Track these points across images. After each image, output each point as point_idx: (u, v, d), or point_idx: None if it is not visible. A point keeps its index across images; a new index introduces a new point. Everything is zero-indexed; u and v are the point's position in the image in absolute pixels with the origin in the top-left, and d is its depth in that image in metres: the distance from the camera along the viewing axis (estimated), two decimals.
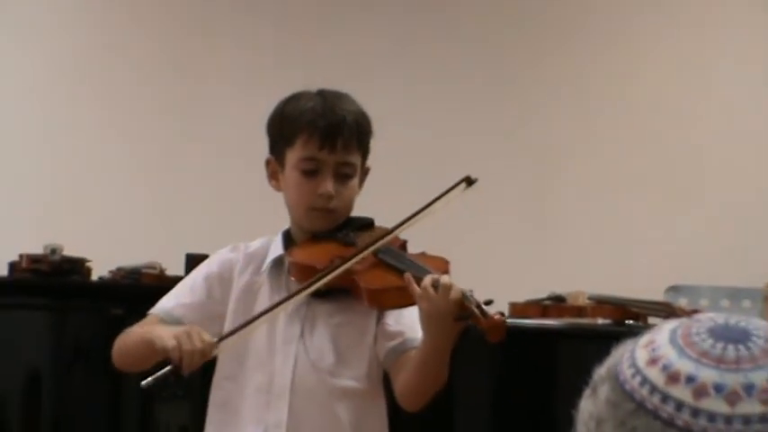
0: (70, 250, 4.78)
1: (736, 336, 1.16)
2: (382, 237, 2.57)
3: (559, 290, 4.43)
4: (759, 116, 5.51)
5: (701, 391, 1.12)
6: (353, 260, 2.52)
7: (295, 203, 2.65)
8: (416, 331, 2.49)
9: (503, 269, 5.28)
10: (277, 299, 2.59)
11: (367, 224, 2.67)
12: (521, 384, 4.21)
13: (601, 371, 1.20)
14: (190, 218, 5.50)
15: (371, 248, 2.54)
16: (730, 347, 1.15)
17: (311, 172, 2.61)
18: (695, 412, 1.12)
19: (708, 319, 1.19)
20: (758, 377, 1.12)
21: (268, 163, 2.69)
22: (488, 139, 5.60)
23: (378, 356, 2.59)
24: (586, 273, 4.95)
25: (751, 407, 1.11)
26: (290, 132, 2.62)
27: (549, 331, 4.25)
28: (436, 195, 2.60)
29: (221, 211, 5.46)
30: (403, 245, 2.63)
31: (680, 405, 1.12)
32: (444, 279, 2.38)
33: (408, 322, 2.53)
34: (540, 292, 4.45)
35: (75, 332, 4.60)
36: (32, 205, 5.52)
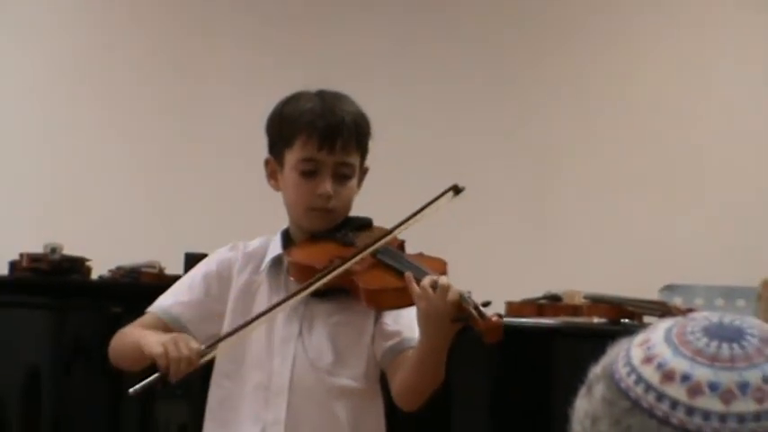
0: (70, 249, 4.78)
1: (731, 334, 1.16)
2: (381, 237, 2.57)
3: (555, 289, 4.43)
4: (757, 116, 5.51)
5: (695, 390, 1.12)
6: (353, 261, 2.52)
7: (294, 203, 2.65)
8: (414, 331, 2.49)
9: (499, 268, 5.28)
10: (276, 298, 2.59)
11: (365, 224, 2.67)
12: (517, 382, 4.21)
13: (596, 369, 1.20)
14: (189, 217, 5.49)
15: (370, 249, 2.54)
16: (725, 346, 1.15)
17: (310, 172, 2.60)
18: (690, 411, 1.12)
19: (702, 317, 1.19)
20: (752, 375, 1.12)
21: (267, 163, 2.69)
22: (488, 139, 5.60)
23: (375, 356, 2.59)
24: (582, 272, 4.95)
25: (745, 405, 1.11)
26: (289, 133, 2.62)
27: (545, 330, 4.25)
28: (423, 204, 2.60)
29: (220, 210, 5.45)
30: (401, 245, 2.63)
31: (675, 403, 1.12)
32: (443, 280, 2.38)
33: (406, 322, 2.53)
34: (536, 290, 4.45)
35: (75, 330, 4.60)
36: (32, 205, 5.52)
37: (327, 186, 2.59)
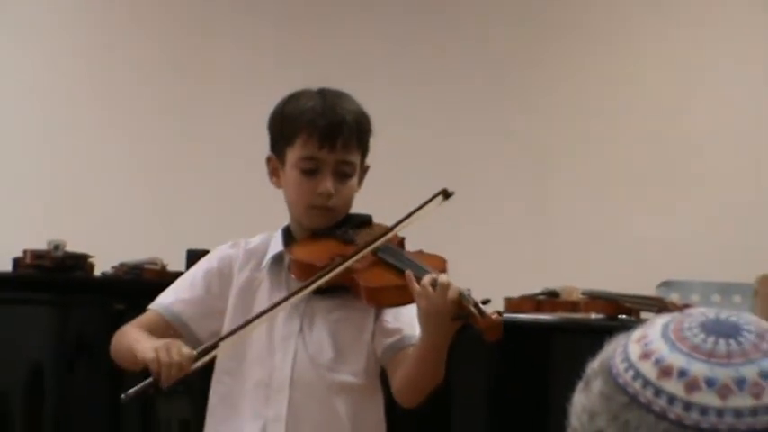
0: (73, 246, 4.78)
1: (727, 330, 1.16)
2: (381, 235, 2.57)
3: (553, 285, 4.43)
4: (754, 115, 5.51)
5: (692, 385, 1.12)
6: (353, 259, 2.52)
7: (295, 201, 2.65)
8: (414, 328, 2.49)
9: (498, 264, 5.28)
10: (277, 295, 2.59)
11: (366, 221, 2.67)
12: (515, 377, 4.21)
13: (594, 365, 1.20)
14: (190, 214, 5.49)
15: (371, 247, 2.54)
16: (721, 342, 1.15)
17: (311, 171, 2.60)
18: (687, 406, 1.11)
19: (699, 313, 1.19)
20: (749, 371, 1.12)
21: (269, 160, 2.69)
22: (487, 139, 5.59)
23: (375, 352, 2.59)
24: (580, 268, 4.95)
25: (742, 400, 1.11)
26: (291, 131, 2.62)
27: (544, 326, 4.25)
28: (413, 208, 2.60)
29: (221, 207, 5.45)
30: (401, 242, 2.63)
31: (672, 398, 1.12)
32: (443, 278, 2.38)
33: (407, 319, 2.53)
34: (534, 287, 4.45)
35: (77, 327, 4.60)
36: (36, 202, 5.51)
37: (328, 185, 2.59)
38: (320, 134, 2.58)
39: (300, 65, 5.41)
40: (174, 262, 4.63)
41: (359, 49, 5.63)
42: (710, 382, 1.12)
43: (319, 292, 2.56)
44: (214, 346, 2.50)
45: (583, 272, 4.72)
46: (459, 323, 2.38)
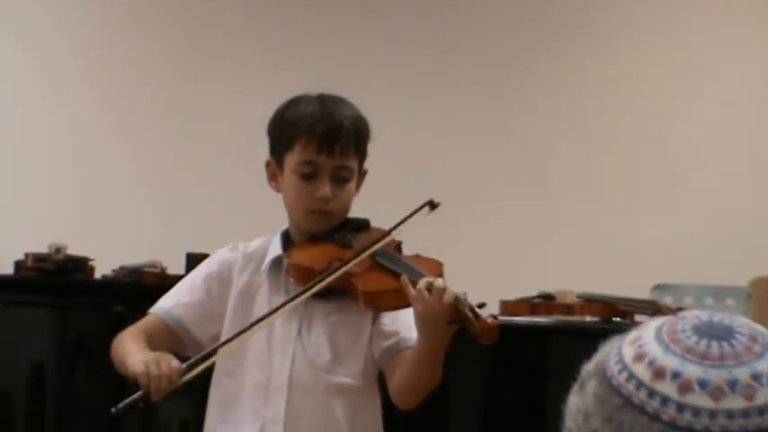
0: (74, 249, 4.78)
1: (720, 333, 1.16)
2: (379, 239, 2.57)
3: (549, 288, 4.43)
4: (750, 117, 5.50)
5: (685, 387, 1.12)
6: (351, 263, 2.52)
7: (293, 205, 2.65)
8: (412, 331, 2.49)
9: (494, 267, 5.28)
10: (276, 298, 2.60)
11: (363, 225, 2.68)
12: (511, 379, 4.21)
13: (589, 367, 1.20)
14: (190, 218, 5.49)
15: (368, 252, 2.54)
16: (714, 344, 1.15)
17: (309, 175, 2.61)
18: (680, 407, 1.12)
19: (693, 316, 1.20)
20: (741, 373, 1.13)
21: (268, 165, 2.70)
22: (486, 139, 5.59)
23: (373, 355, 2.59)
24: (575, 271, 4.95)
25: (734, 402, 1.11)
26: (290, 136, 2.62)
27: (539, 328, 4.25)
28: (400, 219, 2.60)
29: (221, 211, 5.45)
30: (398, 246, 2.63)
31: (665, 400, 1.12)
32: (438, 282, 2.38)
33: (404, 322, 2.53)
34: (530, 290, 4.45)
35: (78, 329, 4.60)
36: (37, 206, 5.51)
37: (326, 189, 2.59)
38: (318, 139, 2.59)
39: (300, 65, 5.41)
40: (174, 265, 4.63)
41: (359, 50, 5.63)
42: (703, 384, 1.12)
43: (318, 295, 2.56)
44: (205, 358, 2.49)
45: (578, 275, 4.72)
46: (456, 327, 2.38)
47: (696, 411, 1.11)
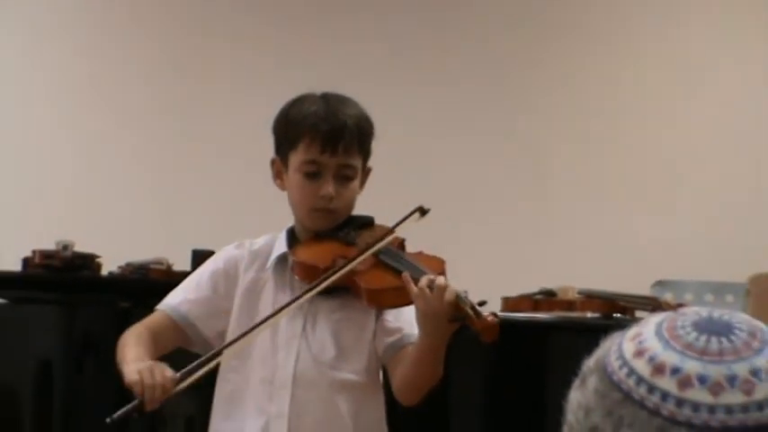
0: (81, 246, 4.78)
1: (720, 329, 1.17)
2: (382, 237, 2.58)
3: (550, 285, 4.43)
4: (748, 116, 5.50)
5: (685, 382, 1.12)
6: (355, 262, 2.53)
7: (298, 203, 2.66)
8: (414, 327, 2.49)
9: (496, 264, 5.28)
10: (281, 295, 2.61)
11: (367, 223, 2.68)
12: (513, 375, 4.21)
13: (589, 362, 1.20)
14: (196, 215, 5.49)
15: (372, 250, 2.55)
16: (714, 340, 1.15)
17: (313, 174, 2.61)
18: (680, 402, 1.12)
19: (692, 312, 1.20)
20: (740, 368, 1.13)
21: (273, 163, 2.70)
22: (487, 138, 5.59)
23: (377, 351, 2.60)
24: (576, 268, 4.95)
25: (734, 397, 1.12)
26: (294, 135, 2.63)
27: (541, 324, 4.25)
28: (391, 226, 2.60)
29: (226, 208, 5.45)
30: (401, 243, 2.63)
31: (665, 395, 1.12)
32: (440, 280, 2.39)
33: (407, 319, 2.54)
34: (531, 286, 4.45)
35: (85, 325, 4.60)
36: (45, 204, 5.51)
37: (329, 188, 2.60)
38: (322, 138, 2.59)
39: (301, 65, 5.40)
40: (180, 262, 4.63)
41: (359, 50, 5.62)
42: (702, 380, 1.12)
43: (322, 292, 2.56)
44: (200, 366, 2.48)
45: (579, 271, 4.72)
46: (457, 325, 2.38)
47: (695, 406, 1.12)
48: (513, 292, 4.39)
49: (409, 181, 5.04)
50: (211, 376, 2.63)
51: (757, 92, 5.50)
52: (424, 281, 2.40)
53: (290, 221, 2.71)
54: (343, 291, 2.58)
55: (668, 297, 4.50)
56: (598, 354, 1.20)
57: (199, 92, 5.65)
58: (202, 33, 5.69)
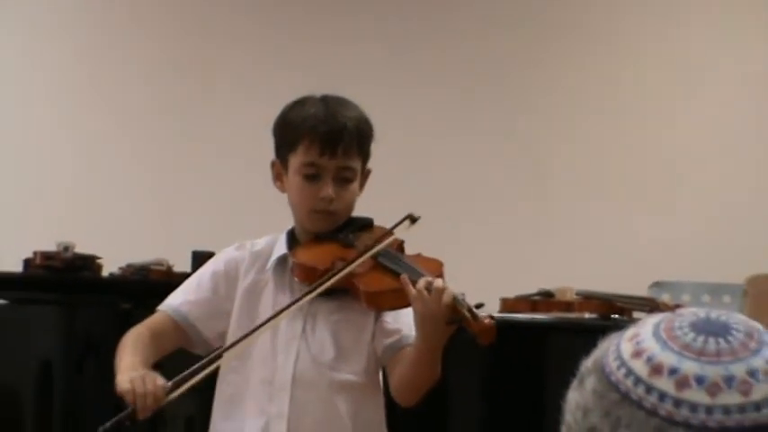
0: (82, 248, 4.78)
1: (717, 329, 1.17)
2: (380, 239, 2.58)
3: (548, 286, 4.43)
4: (749, 116, 5.49)
5: (683, 383, 1.12)
6: (353, 264, 2.53)
7: (298, 205, 2.66)
8: (413, 329, 2.49)
9: (495, 265, 5.28)
10: (281, 296, 2.61)
11: (367, 224, 2.68)
12: (511, 375, 4.21)
13: (587, 363, 1.20)
14: (196, 216, 5.49)
15: (370, 253, 2.55)
16: (711, 341, 1.15)
17: (312, 176, 2.61)
18: (677, 403, 1.12)
19: (690, 313, 1.20)
20: (738, 369, 1.13)
21: (273, 165, 2.70)
22: (486, 139, 5.58)
23: (376, 352, 2.60)
24: (574, 269, 4.95)
25: (731, 398, 1.12)
26: (293, 138, 2.63)
27: (539, 325, 4.25)
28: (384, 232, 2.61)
29: (226, 209, 5.45)
30: (400, 245, 2.64)
31: (663, 396, 1.12)
32: (438, 283, 2.39)
33: (406, 320, 2.54)
34: (530, 287, 4.45)
35: (86, 325, 4.60)
36: (44, 206, 5.51)
37: (329, 190, 2.60)
38: (321, 141, 2.59)
39: (301, 65, 5.40)
40: (180, 263, 4.63)
41: (359, 50, 5.61)
42: (700, 380, 1.12)
43: (321, 294, 2.57)
44: (193, 374, 2.46)
45: (577, 272, 4.72)
46: (454, 327, 2.39)
47: (693, 407, 1.12)
48: (514, 290, 4.39)
49: (409, 181, 5.05)
50: (211, 377, 2.63)
51: (757, 92, 5.50)
52: (421, 283, 2.40)
53: (290, 223, 2.71)
54: (342, 292, 2.59)
55: (666, 298, 4.51)
56: (596, 354, 1.20)
57: (199, 92, 5.65)
58: (202, 34, 5.69)
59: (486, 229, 5.48)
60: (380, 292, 2.53)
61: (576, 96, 5.62)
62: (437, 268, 2.53)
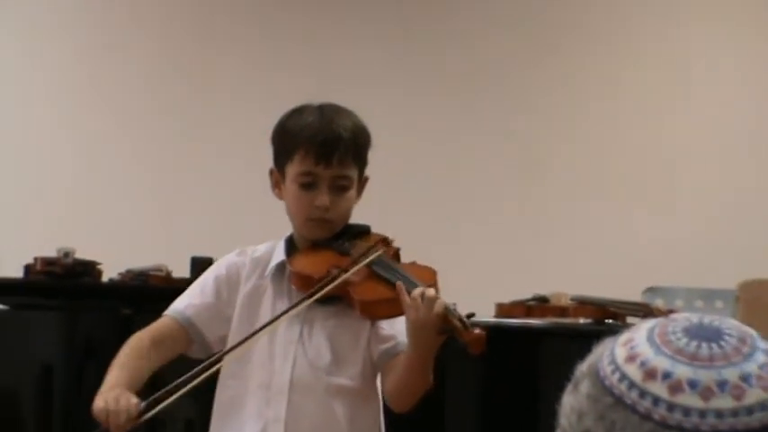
0: (82, 253, 4.78)
1: (710, 334, 1.17)
2: (376, 247, 2.59)
3: (543, 291, 4.43)
4: (749, 116, 5.49)
5: (676, 387, 1.12)
6: (347, 274, 2.54)
7: (294, 213, 2.67)
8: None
9: (490, 270, 5.27)
10: (279, 303, 2.62)
11: (363, 231, 2.69)
12: (506, 380, 4.21)
13: (582, 367, 1.20)
14: (195, 223, 5.49)
15: (364, 262, 2.56)
16: (704, 345, 1.15)
17: (308, 185, 2.62)
18: (671, 407, 1.12)
19: (683, 318, 1.20)
20: (730, 373, 1.13)
21: (271, 173, 2.71)
22: (483, 139, 5.58)
23: (372, 357, 2.60)
24: (569, 275, 4.95)
25: (724, 402, 1.12)
26: (290, 147, 2.64)
27: (534, 330, 4.26)
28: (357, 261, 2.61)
29: (226, 215, 5.45)
30: (396, 253, 2.64)
31: (656, 400, 1.13)
32: (430, 292, 2.40)
33: (401, 327, 2.55)
34: (524, 292, 4.45)
35: (86, 331, 4.60)
36: (43, 211, 5.50)
37: (325, 199, 2.60)
38: (317, 150, 2.60)
39: (301, 67, 5.40)
40: (179, 269, 4.64)
41: (359, 51, 5.61)
42: (693, 385, 1.12)
43: (318, 300, 2.57)
44: (169, 393, 2.46)
45: (571, 278, 4.72)
46: (444, 336, 2.40)
47: (686, 411, 1.12)
48: (511, 289, 4.40)
49: (409, 181, 5.04)
50: (211, 382, 2.63)
51: (757, 92, 5.49)
52: (416, 292, 2.41)
53: (289, 229, 2.72)
54: (338, 299, 2.59)
55: (659, 303, 4.51)
56: (590, 359, 1.20)
57: (199, 93, 5.64)
58: (203, 34, 5.68)
59: (486, 228, 5.47)
60: (374, 301, 2.54)
61: (576, 96, 5.61)
62: (431, 277, 2.54)
